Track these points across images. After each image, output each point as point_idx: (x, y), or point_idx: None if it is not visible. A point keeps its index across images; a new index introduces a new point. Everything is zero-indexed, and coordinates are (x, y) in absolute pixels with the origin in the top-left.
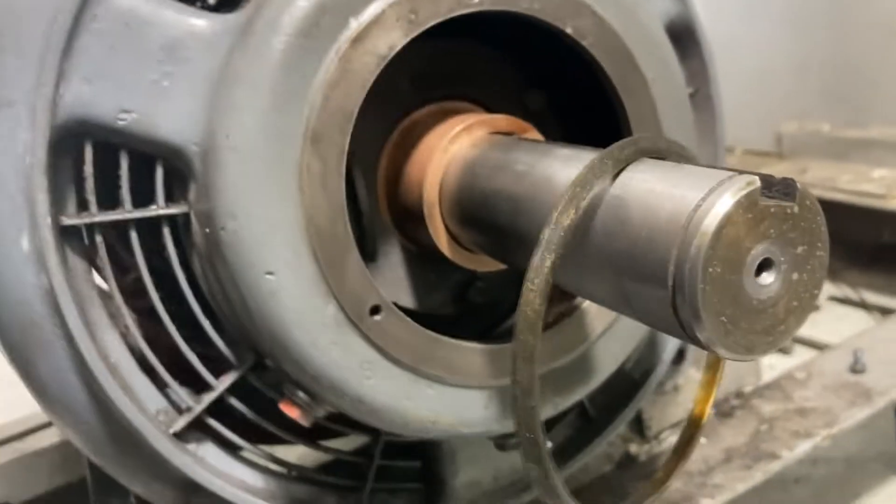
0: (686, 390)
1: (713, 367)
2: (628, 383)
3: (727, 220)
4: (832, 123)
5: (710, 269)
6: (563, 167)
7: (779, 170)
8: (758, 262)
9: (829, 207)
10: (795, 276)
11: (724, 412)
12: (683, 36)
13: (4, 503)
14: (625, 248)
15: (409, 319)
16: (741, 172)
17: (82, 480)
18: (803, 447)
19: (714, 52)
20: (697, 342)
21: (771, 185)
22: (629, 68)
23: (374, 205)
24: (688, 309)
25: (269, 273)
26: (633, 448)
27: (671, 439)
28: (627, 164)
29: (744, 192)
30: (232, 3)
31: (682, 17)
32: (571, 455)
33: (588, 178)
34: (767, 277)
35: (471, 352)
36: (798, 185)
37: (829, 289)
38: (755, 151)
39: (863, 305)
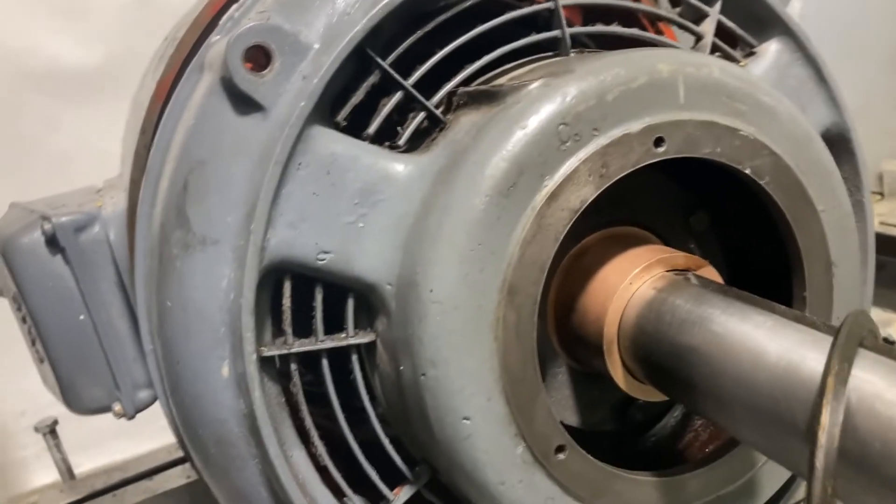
0: None
1: None
2: None
3: None
4: None
5: None
6: (769, 339)
7: (880, 210)
8: None
9: None
10: None
11: None
12: (837, 143)
13: None
14: (854, 451)
15: (588, 456)
16: None
17: None
18: None
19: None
20: None
21: None
22: (801, 201)
23: (544, 329)
24: None
25: (466, 418)
26: None
27: None
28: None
29: None
30: (420, 138)
31: (838, 126)
32: None
33: (839, 390)
34: None
35: (644, 484)
36: None
37: None
38: None
39: None
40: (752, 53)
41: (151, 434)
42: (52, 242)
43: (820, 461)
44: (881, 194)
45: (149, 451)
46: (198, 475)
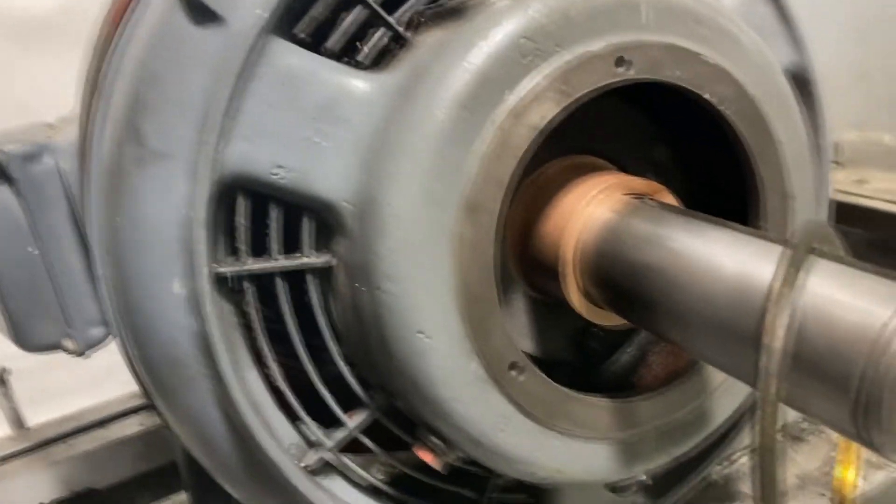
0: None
1: (852, 448)
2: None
3: None
4: (894, 134)
5: None
6: (725, 252)
7: (836, 178)
8: None
9: (888, 219)
10: None
11: (795, 435)
12: (799, 84)
13: (89, 489)
14: (805, 353)
15: (543, 375)
16: None
17: (164, 468)
18: (877, 477)
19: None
20: (872, 447)
21: None
22: (762, 131)
23: (503, 254)
24: (871, 421)
25: (421, 333)
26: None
27: (742, 460)
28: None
29: None
30: (382, 56)
31: (800, 67)
32: (670, 488)
33: (787, 295)
34: None
35: (598, 406)
36: None
37: None
38: None
39: None
40: None
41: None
42: (1, 173)
43: (767, 364)
44: (838, 163)
45: (104, 402)
46: (150, 402)
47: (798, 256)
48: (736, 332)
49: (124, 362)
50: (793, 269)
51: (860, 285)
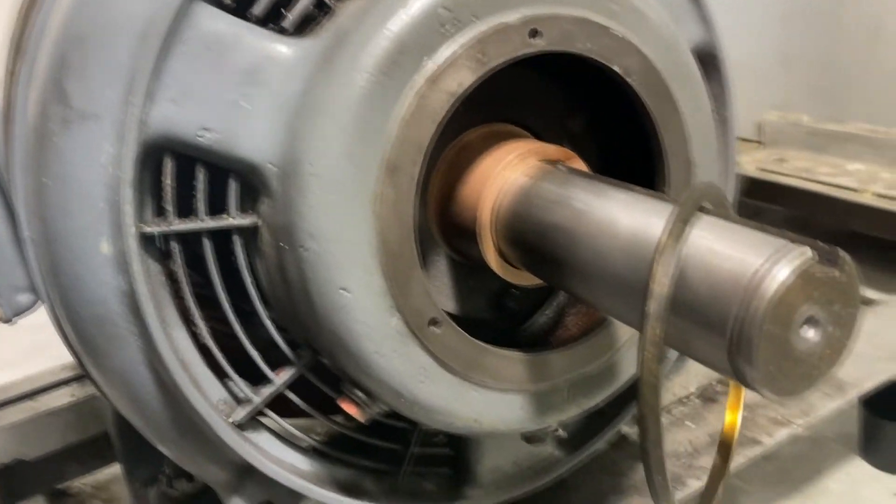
0: (676, 378)
1: (737, 394)
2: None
3: (783, 287)
4: (812, 116)
5: (766, 328)
6: (623, 211)
7: (757, 157)
8: (803, 320)
9: (806, 196)
10: (832, 329)
11: (709, 397)
12: (707, 61)
13: (18, 460)
14: (687, 299)
15: (461, 331)
16: (793, 240)
17: (94, 439)
18: (782, 434)
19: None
20: (746, 384)
21: (819, 253)
22: (666, 102)
23: (425, 218)
24: (743, 358)
25: (344, 289)
26: (626, 429)
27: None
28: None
29: (798, 262)
30: (306, 23)
31: (708, 44)
32: (584, 442)
33: (672, 247)
34: (810, 332)
35: (513, 360)
36: (840, 252)
37: None
38: (738, 138)
39: None
40: None
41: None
42: None
43: (651, 307)
44: (760, 142)
45: (33, 374)
46: (80, 373)
47: (685, 212)
48: (630, 283)
49: (52, 323)
50: (679, 224)
51: (738, 238)
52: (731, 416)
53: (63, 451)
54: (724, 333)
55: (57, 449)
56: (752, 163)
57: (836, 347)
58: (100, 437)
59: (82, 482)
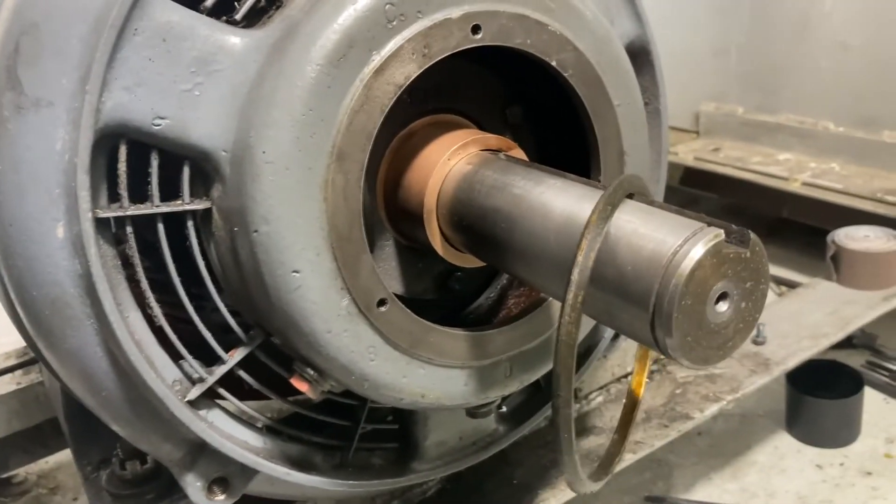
0: (613, 357)
1: (644, 355)
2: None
3: (698, 265)
4: (746, 107)
5: (683, 302)
6: (557, 196)
7: (694, 147)
8: (717, 295)
9: (739, 185)
10: (743, 304)
11: None
12: (640, 55)
13: None
14: (613, 276)
15: (408, 310)
16: (709, 224)
17: (39, 427)
18: (712, 409)
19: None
20: (665, 353)
21: (731, 235)
22: (600, 95)
23: (374, 204)
24: (663, 330)
25: (296, 271)
26: None
27: (598, 399)
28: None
29: (712, 243)
30: (257, 15)
31: (641, 38)
32: (525, 418)
33: (599, 224)
34: (723, 306)
35: (456, 338)
36: (750, 234)
37: None
38: (674, 127)
39: None
40: None
41: None
42: None
43: (575, 275)
44: (697, 132)
45: None
46: (31, 347)
47: (613, 197)
48: (562, 261)
49: (4, 307)
50: (607, 206)
51: (660, 221)
52: (636, 382)
53: (7, 439)
54: (647, 307)
55: (1, 437)
56: (688, 152)
57: (747, 321)
58: (45, 424)
59: (27, 471)
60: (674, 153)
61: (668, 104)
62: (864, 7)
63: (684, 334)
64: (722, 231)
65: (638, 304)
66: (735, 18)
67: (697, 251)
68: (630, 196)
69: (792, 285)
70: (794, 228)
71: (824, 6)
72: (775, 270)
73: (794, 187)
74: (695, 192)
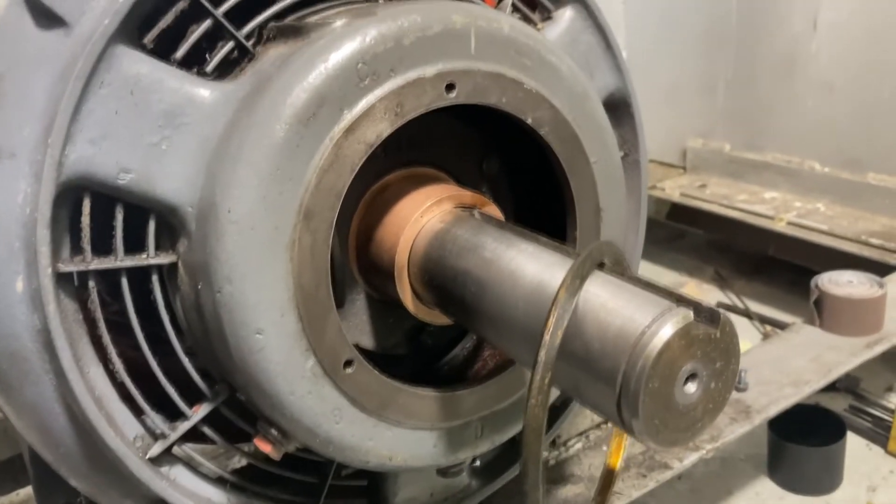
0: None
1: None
2: (551, 411)
3: (667, 346)
4: (733, 144)
5: (650, 384)
6: (527, 262)
7: (681, 183)
8: (686, 376)
9: (725, 222)
10: (713, 385)
11: None
12: (620, 106)
13: None
14: (581, 351)
15: (375, 371)
16: (678, 301)
17: (10, 461)
18: (691, 458)
19: (638, 102)
20: (632, 434)
21: (700, 314)
22: (576, 152)
23: (345, 257)
24: (629, 410)
25: (259, 332)
26: (545, 454)
27: (577, 446)
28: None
29: (681, 325)
30: (229, 66)
31: (621, 91)
32: (500, 472)
33: (567, 301)
34: (692, 387)
35: (426, 398)
36: (721, 313)
37: (717, 295)
38: (662, 162)
39: (746, 314)
40: (549, 18)
41: None
42: None
43: (541, 356)
44: (684, 168)
45: None
46: None
47: (582, 269)
48: (530, 331)
49: None
50: (576, 280)
51: (630, 296)
52: (613, 460)
53: None
54: (614, 386)
55: None
56: (675, 188)
57: (717, 401)
58: (16, 459)
59: None
60: (661, 188)
61: (657, 138)
62: (849, 48)
63: (651, 416)
64: (691, 311)
65: (605, 382)
66: (721, 54)
67: (666, 332)
68: (601, 265)
69: (777, 324)
70: (780, 266)
71: (810, 46)
72: (761, 309)
73: (780, 227)
74: (681, 227)
